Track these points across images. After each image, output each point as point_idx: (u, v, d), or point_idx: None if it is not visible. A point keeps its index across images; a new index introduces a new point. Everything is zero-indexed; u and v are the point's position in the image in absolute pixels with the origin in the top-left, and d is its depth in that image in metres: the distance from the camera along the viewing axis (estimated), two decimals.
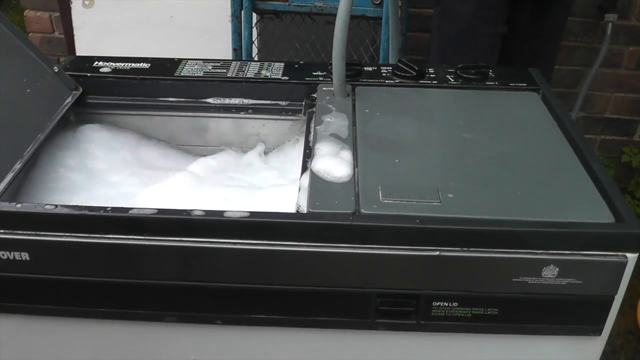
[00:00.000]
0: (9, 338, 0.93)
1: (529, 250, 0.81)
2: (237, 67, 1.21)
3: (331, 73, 1.17)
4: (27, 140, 0.98)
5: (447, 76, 1.18)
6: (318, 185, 0.87)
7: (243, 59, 1.86)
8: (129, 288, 0.86)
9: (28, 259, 0.83)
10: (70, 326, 0.91)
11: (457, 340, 0.89)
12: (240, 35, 1.84)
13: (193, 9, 2.12)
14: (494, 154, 0.96)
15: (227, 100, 1.17)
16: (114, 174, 1.08)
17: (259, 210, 0.83)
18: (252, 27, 1.85)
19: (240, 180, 1.08)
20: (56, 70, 1.10)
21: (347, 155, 0.93)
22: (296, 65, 1.23)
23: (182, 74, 1.18)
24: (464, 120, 1.05)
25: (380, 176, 0.89)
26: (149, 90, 1.17)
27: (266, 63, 1.23)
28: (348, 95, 1.10)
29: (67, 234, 0.82)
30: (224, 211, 0.82)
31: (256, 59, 1.93)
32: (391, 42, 1.33)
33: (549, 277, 0.82)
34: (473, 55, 1.54)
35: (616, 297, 0.85)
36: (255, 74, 1.19)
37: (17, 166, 0.93)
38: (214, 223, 0.81)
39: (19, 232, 0.82)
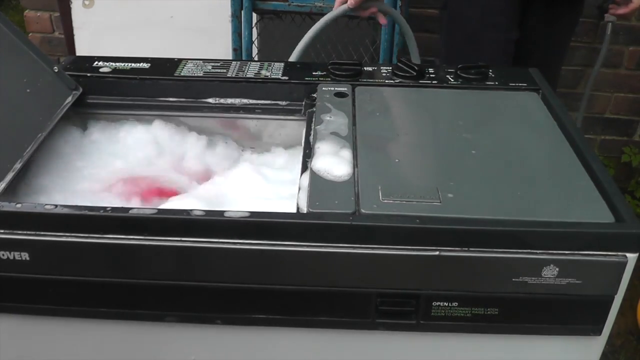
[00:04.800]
0: (9, 338, 0.93)
1: (529, 250, 0.81)
2: (237, 67, 1.21)
3: (331, 73, 1.17)
4: (27, 140, 0.98)
5: (447, 76, 1.18)
6: (318, 185, 0.87)
7: (243, 59, 1.86)
8: (129, 288, 0.86)
9: (28, 259, 0.83)
10: (70, 326, 0.91)
11: (457, 340, 0.89)
12: (240, 35, 1.84)
13: (193, 9, 2.12)
14: (494, 154, 0.96)
15: (227, 100, 1.17)
16: (115, 174, 1.08)
17: (259, 210, 0.83)
18: (252, 27, 1.85)
19: None
20: (56, 70, 1.10)
21: (347, 154, 0.93)
22: (296, 65, 1.23)
23: (182, 74, 1.18)
24: (464, 120, 1.05)
25: (380, 176, 0.89)
26: (149, 90, 1.17)
27: (266, 63, 1.23)
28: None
29: (67, 234, 0.82)
30: (224, 211, 0.82)
31: (256, 59, 1.93)
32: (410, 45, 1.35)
33: (549, 277, 0.82)
34: (481, 62, 1.51)
35: (616, 297, 0.85)
36: (255, 74, 1.19)
37: (17, 166, 0.92)
38: (214, 223, 0.81)
39: (19, 232, 0.82)
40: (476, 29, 1.56)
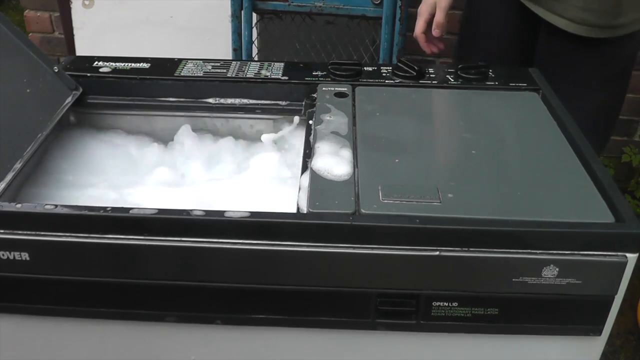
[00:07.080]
0: (9, 338, 0.93)
1: (529, 250, 0.81)
2: (237, 67, 1.21)
3: (331, 73, 1.17)
4: (27, 140, 0.98)
5: (447, 76, 1.18)
6: (318, 185, 0.87)
7: (243, 59, 1.86)
8: (129, 288, 0.86)
9: (28, 259, 0.83)
10: (70, 326, 0.91)
11: (457, 340, 0.89)
12: (240, 35, 1.84)
13: (193, 9, 2.12)
14: (494, 154, 0.96)
15: (227, 100, 1.17)
16: (115, 174, 1.08)
17: (259, 210, 0.83)
18: (252, 27, 1.85)
19: None
20: (56, 70, 1.10)
21: (347, 154, 0.93)
22: (297, 65, 1.23)
23: (182, 74, 1.18)
24: (464, 120, 1.05)
25: (380, 176, 0.89)
26: (149, 90, 1.17)
27: (266, 63, 1.23)
28: None
29: (67, 234, 0.82)
30: (224, 211, 0.82)
31: (256, 59, 1.93)
32: None
33: (549, 277, 0.82)
34: None
35: (616, 297, 0.85)
36: (255, 74, 1.19)
37: (17, 166, 0.92)
38: (214, 223, 0.81)
39: (19, 232, 0.82)
40: (470, 32, 1.53)
